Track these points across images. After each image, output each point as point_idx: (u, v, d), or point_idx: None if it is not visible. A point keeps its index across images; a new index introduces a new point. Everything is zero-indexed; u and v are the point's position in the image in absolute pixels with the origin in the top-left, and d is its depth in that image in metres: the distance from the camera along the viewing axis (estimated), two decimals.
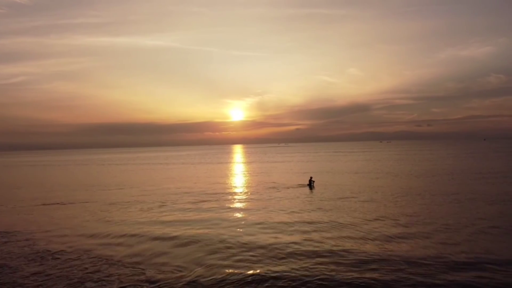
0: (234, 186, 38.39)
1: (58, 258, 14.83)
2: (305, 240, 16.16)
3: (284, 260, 13.58)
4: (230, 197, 30.19)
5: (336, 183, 37.76)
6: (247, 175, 52.18)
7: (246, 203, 27.15)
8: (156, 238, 17.21)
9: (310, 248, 14.90)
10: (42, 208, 27.16)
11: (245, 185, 39.38)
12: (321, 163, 75.16)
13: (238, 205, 26.51)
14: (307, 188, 35.01)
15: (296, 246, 15.20)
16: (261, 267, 13.01)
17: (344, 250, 14.55)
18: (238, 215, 22.35)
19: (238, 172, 57.59)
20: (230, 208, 25.07)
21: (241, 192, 33.00)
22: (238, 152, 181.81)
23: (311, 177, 37.55)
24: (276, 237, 16.69)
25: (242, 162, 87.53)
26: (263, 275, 12.22)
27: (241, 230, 18.33)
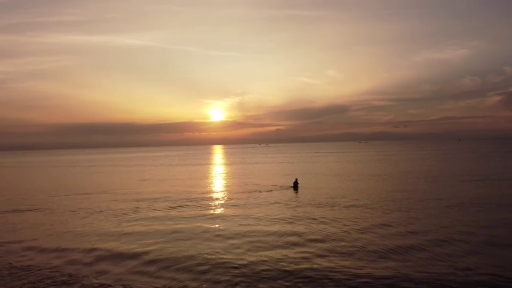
0: (214, 190, 36.15)
1: (3, 277, 12.41)
2: (295, 259, 14.19)
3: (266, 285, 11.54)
4: (209, 202, 27.94)
5: (320, 185, 36.08)
6: (228, 177, 50.00)
7: (226, 209, 24.99)
8: (120, 255, 14.85)
9: (302, 267, 12.95)
10: None
11: (226, 188, 37.20)
12: (304, 164, 73.73)
13: (218, 211, 24.31)
14: (292, 190, 33.30)
15: (281, 264, 13.23)
16: None
17: (338, 271, 12.66)
18: (217, 225, 20.10)
19: (219, 174, 55.31)
20: (208, 215, 22.85)
21: (221, 197, 30.78)
22: (218, 153, 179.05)
23: (296, 179, 35.83)
24: (259, 255, 14.62)
25: (223, 164, 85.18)
26: None
27: (218, 244, 16.10)
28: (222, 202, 28.06)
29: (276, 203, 26.40)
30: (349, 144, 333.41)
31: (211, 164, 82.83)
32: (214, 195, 31.82)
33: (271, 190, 33.27)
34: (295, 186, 34.68)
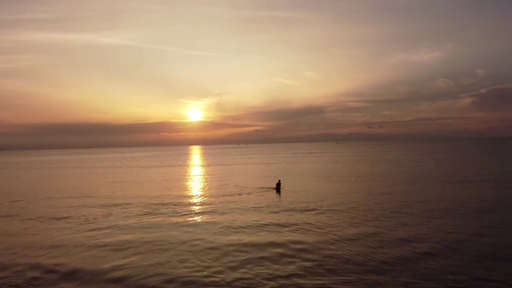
0: (192, 193, 34.27)
1: None
2: (283, 275, 12.71)
3: None
4: (186, 208, 26.07)
5: (303, 187, 34.75)
6: (206, 179, 48.12)
7: (204, 215, 23.26)
8: (77, 272, 12.96)
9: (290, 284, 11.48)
10: None
11: (204, 191, 35.36)
12: (285, 165, 72.54)
13: (195, 218, 22.52)
14: (274, 192, 31.96)
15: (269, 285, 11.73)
16: None
17: None
18: (195, 234, 18.31)
19: (197, 176, 53.31)
20: (185, 223, 21.04)
21: (199, 202, 28.92)
22: (196, 154, 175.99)
23: (279, 180, 34.47)
24: (242, 271, 13.07)
25: (201, 165, 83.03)
26: None
27: (196, 258, 14.36)
28: (200, 207, 26.29)
29: (258, 207, 24.87)
30: (326, 145, 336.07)
31: (189, 166, 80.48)
32: (192, 200, 29.99)
33: (250, 193, 31.73)
34: (278, 188, 33.36)
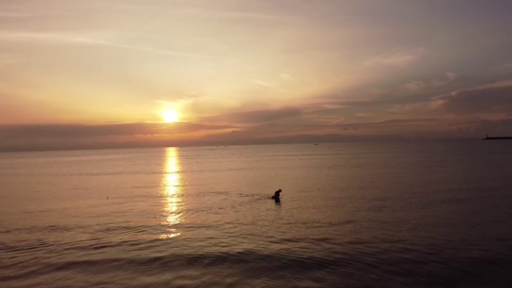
0: (167, 205, 27.45)
1: None
2: None
3: None
4: (159, 227, 19.45)
5: (301, 196, 28.68)
6: (186, 185, 41.33)
7: (183, 242, 16.73)
8: None
9: None
10: None
11: (183, 201, 28.61)
12: (276, 170, 66.52)
13: (170, 247, 15.96)
14: (273, 202, 26.01)
15: None
16: None
17: None
18: (170, 278, 11.94)
19: (175, 182, 46.39)
20: (156, 253, 14.51)
21: (176, 219, 22.33)
22: (173, 156, 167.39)
23: (279, 190, 28.34)
24: None
25: (179, 169, 75.88)
26: None
27: None
28: (177, 228, 19.67)
29: (260, 226, 18.56)
30: (305, 146, 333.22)
31: (164, 168, 73.19)
32: (166, 216, 23.26)
33: (242, 203, 25.37)
34: (277, 197, 27.42)
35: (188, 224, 19.59)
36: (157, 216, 22.13)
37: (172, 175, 55.13)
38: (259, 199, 28.48)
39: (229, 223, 19.25)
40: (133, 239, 16.63)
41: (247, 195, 30.07)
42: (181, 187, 38.45)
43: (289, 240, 15.64)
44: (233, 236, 16.50)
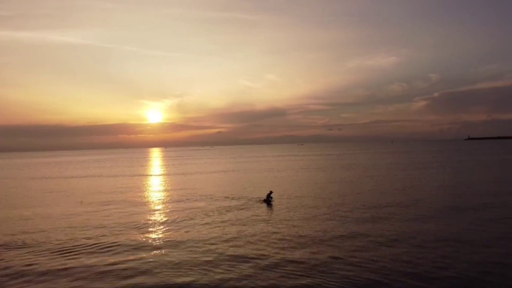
0: (146, 214, 25.06)
1: None
2: None
3: None
4: (128, 247, 17.13)
5: (295, 201, 26.72)
6: (169, 189, 38.91)
7: (152, 269, 14.51)
8: None
9: None
10: None
11: (165, 209, 26.25)
12: (261, 172, 64.54)
13: (152, 267, 13.70)
14: (264, 207, 24.15)
15: None
16: None
17: None
18: None
19: (158, 186, 43.90)
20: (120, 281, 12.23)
21: (152, 234, 20.02)
22: (157, 157, 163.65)
23: (270, 192, 26.60)
24: None
25: (163, 171, 73.16)
26: None
27: None
28: (149, 250, 17.40)
29: (250, 234, 16.46)
30: (290, 147, 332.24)
31: (147, 170, 70.36)
32: (141, 229, 20.91)
33: (228, 210, 23.24)
34: (268, 200, 25.62)
35: (165, 241, 16.65)
36: (130, 228, 19.37)
37: (155, 178, 52.51)
38: (248, 201, 26.66)
39: (212, 238, 16.68)
40: (96, 263, 13.69)
41: (235, 199, 28.05)
42: (164, 192, 36.04)
43: (284, 266, 12.81)
44: (210, 265, 13.10)
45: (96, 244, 16.12)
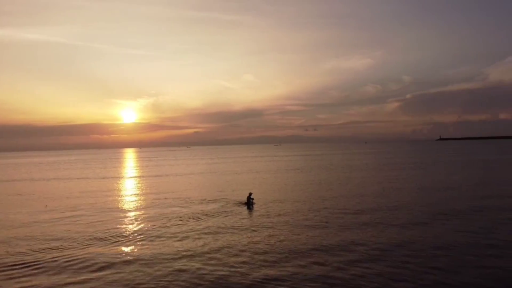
0: (114, 220, 23.27)
1: None
2: None
3: None
4: (85, 264, 15.52)
5: (276, 206, 25.62)
6: (143, 193, 37.02)
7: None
8: None
9: None
10: None
11: (137, 216, 24.52)
12: (241, 174, 63.22)
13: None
14: (244, 211, 23.05)
15: None
16: None
17: None
18: None
19: (130, 189, 41.85)
20: None
21: (118, 248, 18.40)
22: (131, 158, 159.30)
23: (250, 193, 25.49)
24: None
25: (137, 173, 70.64)
26: None
27: None
28: (109, 269, 15.83)
29: (227, 242, 15.18)
30: (268, 147, 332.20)
31: (120, 172, 67.68)
32: (105, 240, 19.22)
33: (211, 215, 21.86)
34: (249, 203, 24.61)
35: (133, 257, 14.83)
36: (96, 239, 17.56)
37: (127, 181, 50.24)
38: (226, 204, 25.56)
39: (185, 252, 15.17)
40: (54, 283, 12.03)
41: (213, 202, 26.76)
42: (136, 196, 34.14)
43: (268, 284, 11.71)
44: None
45: (55, 258, 14.39)
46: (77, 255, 14.73)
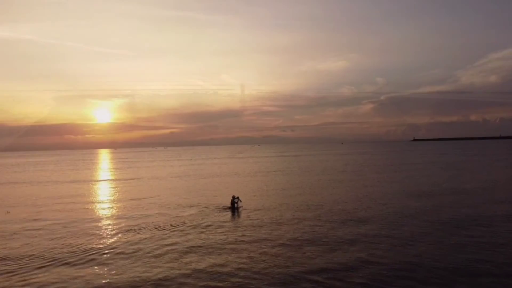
0: (82, 229, 21.26)
1: None
2: None
3: None
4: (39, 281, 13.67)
5: (260, 212, 24.23)
6: (116, 199, 34.84)
7: None
8: None
9: None
10: None
11: (109, 226, 22.52)
12: (222, 176, 61.49)
13: None
14: (228, 216, 21.68)
15: None
16: None
17: None
18: None
19: (103, 194, 39.47)
20: None
21: (89, 262, 16.56)
22: (106, 159, 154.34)
23: (233, 196, 24.06)
24: None
25: (112, 175, 67.75)
26: None
27: None
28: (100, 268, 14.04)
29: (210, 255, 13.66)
30: (246, 148, 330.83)
31: (93, 175, 64.63)
32: (82, 253, 17.33)
33: (187, 218, 20.23)
34: (233, 207, 23.22)
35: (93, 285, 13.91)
36: (56, 257, 15.85)
37: (100, 184, 47.67)
38: (206, 207, 24.21)
39: (159, 274, 13.90)
40: None
41: (194, 206, 25.19)
42: (108, 202, 31.99)
43: None
44: None
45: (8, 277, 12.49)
46: (33, 279, 12.83)
